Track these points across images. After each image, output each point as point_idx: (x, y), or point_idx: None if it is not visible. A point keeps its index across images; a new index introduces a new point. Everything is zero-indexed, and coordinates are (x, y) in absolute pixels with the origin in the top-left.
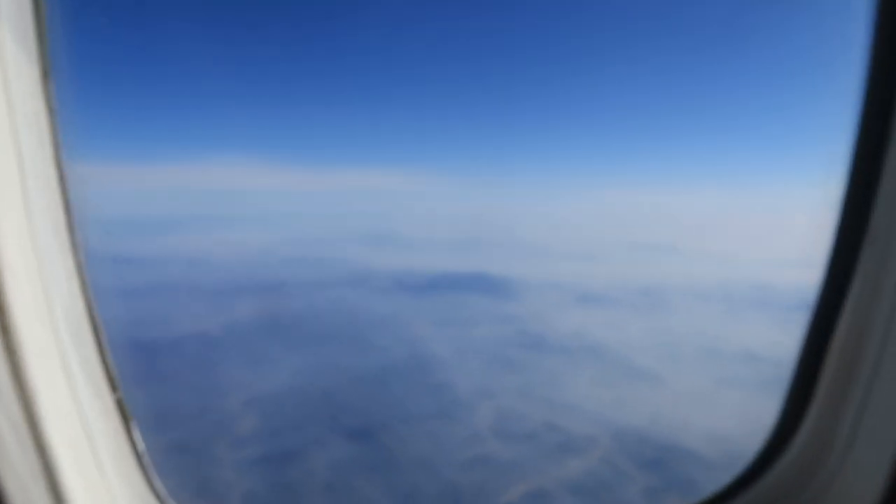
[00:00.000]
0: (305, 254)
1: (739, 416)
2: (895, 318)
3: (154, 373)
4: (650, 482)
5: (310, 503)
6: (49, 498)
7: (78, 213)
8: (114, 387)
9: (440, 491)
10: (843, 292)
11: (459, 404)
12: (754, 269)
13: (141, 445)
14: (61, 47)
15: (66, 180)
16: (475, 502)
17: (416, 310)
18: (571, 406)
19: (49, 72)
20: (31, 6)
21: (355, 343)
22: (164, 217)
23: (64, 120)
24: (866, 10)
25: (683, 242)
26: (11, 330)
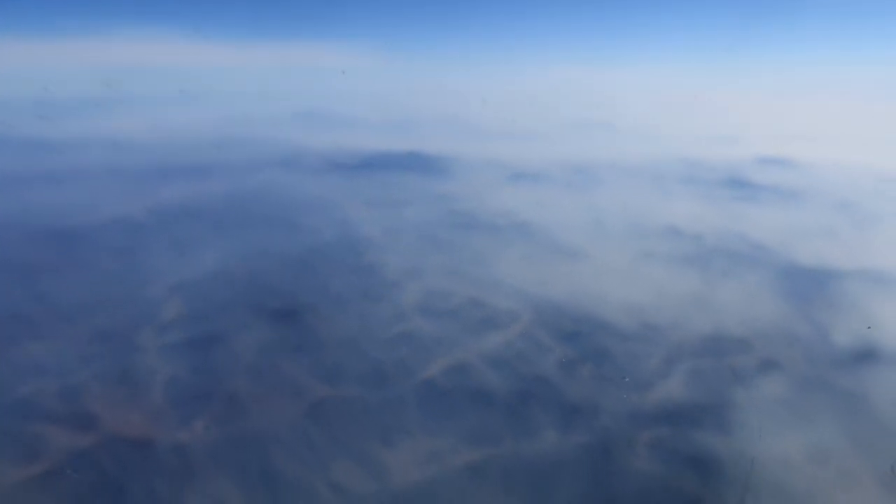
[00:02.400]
0: (234, 134)
1: (656, 289)
2: None
3: (74, 261)
4: (567, 353)
5: (234, 386)
6: None
7: None
8: None
9: (365, 368)
10: None
11: (387, 284)
12: (685, 145)
13: None
14: None
15: None
16: (399, 378)
17: (348, 190)
18: (497, 283)
19: None
20: None
21: (284, 225)
22: (78, 97)
23: None
24: None
25: (619, 120)
26: None
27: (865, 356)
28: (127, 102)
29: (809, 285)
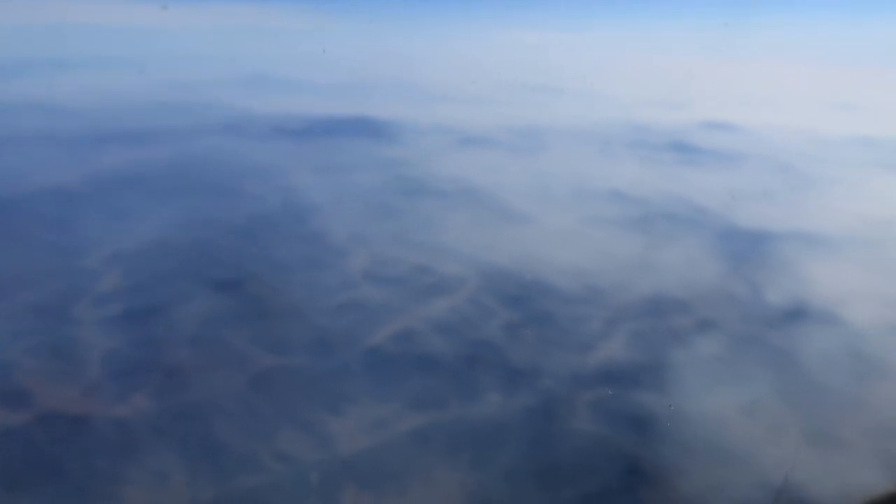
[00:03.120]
0: (176, 99)
1: (600, 253)
2: None
3: (4, 231)
4: (512, 317)
5: (176, 358)
6: None
7: None
8: None
9: (310, 337)
10: None
11: (333, 251)
12: (633, 109)
13: None
14: None
15: None
16: (345, 346)
17: (295, 156)
18: (444, 248)
19: None
20: None
21: (228, 192)
22: (8, 59)
23: None
24: None
25: (569, 84)
26: None
27: (796, 314)
28: (60, 64)
29: (747, 247)
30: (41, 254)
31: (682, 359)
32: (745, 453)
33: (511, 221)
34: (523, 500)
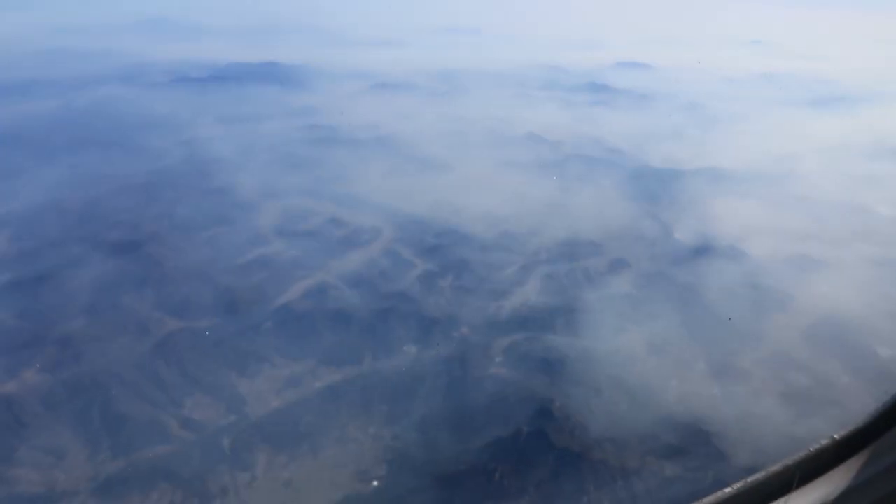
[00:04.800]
0: (64, 46)
1: (515, 198)
2: None
3: None
4: (427, 267)
5: (69, 328)
6: None
7: None
8: None
9: (217, 298)
10: None
11: (241, 207)
12: (548, 51)
13: None
14: None
15: None
16: (255, 305)
17: (198, 106)
18: (358, 199)
19: None
20: None
21: (123, 147)
22: None
23: None
24: None
25: (486, 25)
26: None
27: (702, 250)
28: None
29: (658, 186)
30: None
31: (594, 300)
32: (651, 389)
33: (427, 169)
34: (436, 450)
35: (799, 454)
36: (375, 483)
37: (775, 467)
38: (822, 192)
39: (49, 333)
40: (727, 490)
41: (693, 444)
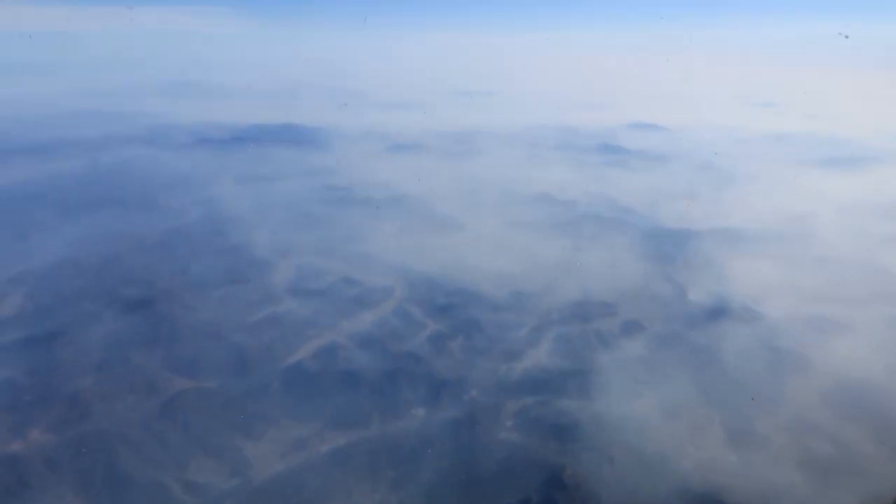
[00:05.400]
0: (91, 108)
1: (528, 258)
2: None
3: None
4: (438, 328)
5: (78, 386)
6: None
7: None
8: None
9: (227, 357)
10: None
11: (255, 265)
12: (563, 112)
13: None
14: None
15: None
16: (263, 364)
17: (217, 166)
18: (371, 258)
19: None
20: None
21: (143, 206)
22: None
23: None
24: None
25: (502, 87)
26: None
27: (717, 311)
28: None
29: (671, 246)
30: None
31: (607, 362)
32: (666, 456)
33: (439, 228)
34: None
35: None
36: None
37: None
38: (839, 252)
39: (58, 391)
40: None
41: None
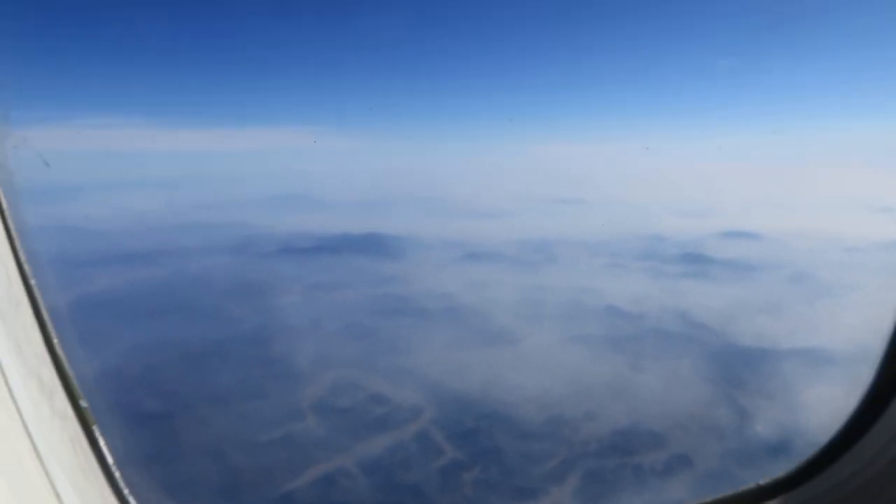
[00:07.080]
0: (199, 219)
1: (577, 377)
2: None
3: None
4: (455, 456)
5: None
6: None
7: None
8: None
9: (218, 480)
10: None
11: (289, 378)
12: (653, 220)
13: (107, 454)
14: None
15: None
16: (255, 491)
17: (290, 275)
18: (408, 374)
19: None
20: None
21: (205, 313)
22: (63, 183)
23: None
24: None
25: (597, 194)
26: None
27: (782, 449)
28: (92, 188)
29: (743, 367)
30: None
31: None
32: None
33: (490, 342)
34: None
35: None
36: None
37: None
38: None
39: None
40: None
41: None
